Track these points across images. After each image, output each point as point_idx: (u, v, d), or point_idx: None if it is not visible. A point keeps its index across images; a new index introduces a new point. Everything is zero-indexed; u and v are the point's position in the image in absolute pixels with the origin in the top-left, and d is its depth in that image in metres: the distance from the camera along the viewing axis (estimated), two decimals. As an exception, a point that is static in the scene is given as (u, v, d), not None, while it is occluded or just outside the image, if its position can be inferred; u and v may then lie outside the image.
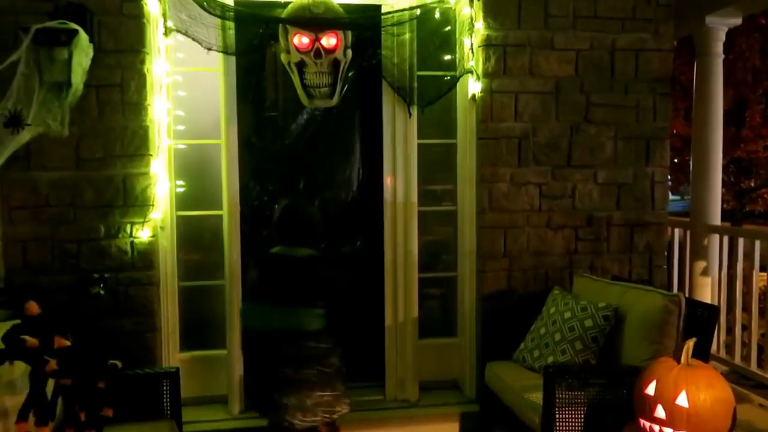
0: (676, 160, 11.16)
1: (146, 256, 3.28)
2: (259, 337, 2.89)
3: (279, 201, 2.85)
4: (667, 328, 2.77)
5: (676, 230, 4.66)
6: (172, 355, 3.49)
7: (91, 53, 3.03)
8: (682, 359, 2.41)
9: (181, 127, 3.53)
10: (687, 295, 4.08)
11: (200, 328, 3.66)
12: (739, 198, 11.18)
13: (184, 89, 3.54)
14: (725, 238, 4.23)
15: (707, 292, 4.32)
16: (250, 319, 2.97)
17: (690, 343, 2.41)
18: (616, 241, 3.69)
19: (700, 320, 2.87)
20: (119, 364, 2.19)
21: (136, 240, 3.26)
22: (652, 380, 2.40)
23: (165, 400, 2.68)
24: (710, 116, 4.41)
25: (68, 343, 1.97)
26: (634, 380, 2.54)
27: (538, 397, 2.76)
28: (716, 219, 4.43)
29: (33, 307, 2.17)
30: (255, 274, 3.14)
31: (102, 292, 3.16)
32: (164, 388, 2.70)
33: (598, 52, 3.60)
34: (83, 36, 2.92)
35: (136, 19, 3.22)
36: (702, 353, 2.68)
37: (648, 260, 3.72)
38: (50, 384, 2.11)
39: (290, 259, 2.79)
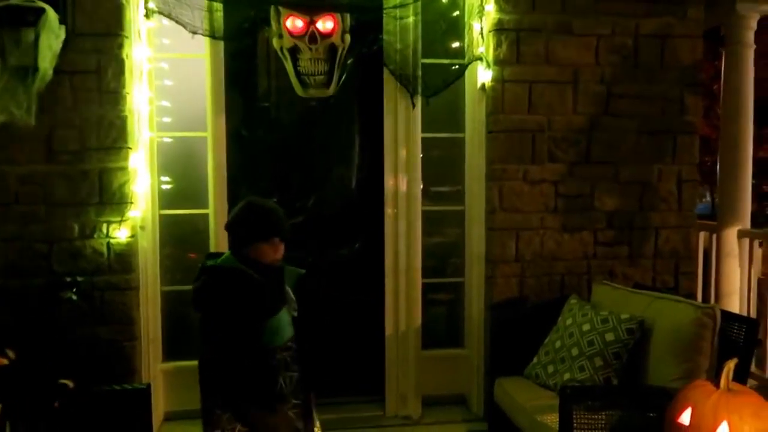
0: (695, 161, 10.82)
1: (124, 258, 3.02)
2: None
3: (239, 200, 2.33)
4: (700, 344, 2.47)
5: (701, 234, 4.33)
6: (153, 365, 3.24)
7: (62, 35, 2.80)
8: (722, 383, 2.11)
9: (167, 119, 3.31)
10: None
11: (185, 337, 3.39)
12: (760, 201, 10.81)
13: (170, 78, 3.30)
14: (756, 243, 3.90)
15: (735, 301, 4.00)
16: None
17: (731, 365, 2.11)
18: (639, 245, 3.40)
19: (736, 336, 2.56)
20: (70, 383, 1.92)
21: (112, 240, 3.01)
22: (687, 407, 2.10)
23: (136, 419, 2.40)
24: (740, 111, 4.09)
25: (5, 361, 1.69)
26: (663, 404, 2.25)
27: (553, 420, 2.49)
28: (746, 222, 4.11)
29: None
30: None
31: (74, 297, 2.90)
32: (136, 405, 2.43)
33: (620, 39, 3.31)
34: (52, 15, 2.68)
35: (114, -1, 2.95)
36: (741, 375, 2.38)
37: (674, 266, 3.43)
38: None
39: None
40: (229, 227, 2.20)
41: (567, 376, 2.73)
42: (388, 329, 3.44)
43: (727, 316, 2.76)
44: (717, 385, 2.13)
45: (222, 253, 2.24)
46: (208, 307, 2.14)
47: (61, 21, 2.78)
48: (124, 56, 2.98)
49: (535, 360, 2.96)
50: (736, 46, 4.08)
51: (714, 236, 4.20)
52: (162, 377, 3.29)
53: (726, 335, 2.58)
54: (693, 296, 3.55)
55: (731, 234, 4.07)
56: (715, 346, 2.49)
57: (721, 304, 3.98)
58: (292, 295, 2.27)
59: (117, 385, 2.53)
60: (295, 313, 2.27)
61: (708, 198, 13.57)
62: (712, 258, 4.20)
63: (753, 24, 4.06)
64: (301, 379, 2.24)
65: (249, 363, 2.07)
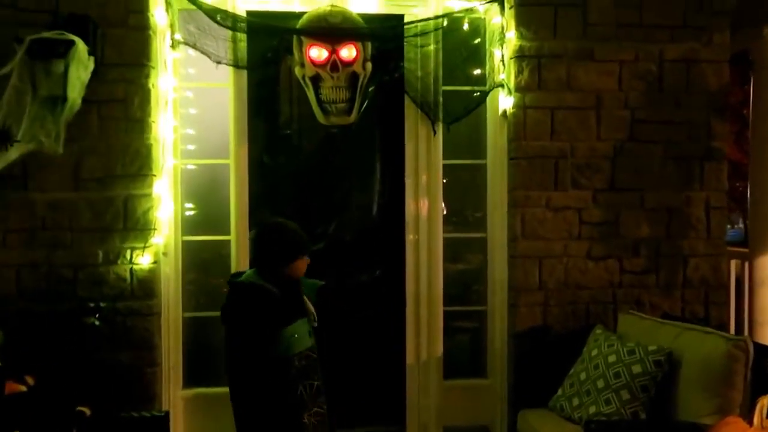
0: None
1: (146, 284, 3.04)
2: None
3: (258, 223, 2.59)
4: (732, 378, 2.38)
5: (732, 262, 4.20)
6: (174, 392, 3.23)
7: (91, 66, 2.86)
8: (755, 421, 2.02)
9: (191, 147, 3.35)
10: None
11: (206, 363, 3.38)
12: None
13: (194, 106, 3.36)
14: (791, 272, 3.78)
15: (770, 332, 3.85)
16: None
17: (765, 401, 2.02)
18: (667, 273, 3.31)
19: (770, 369, 2.46)
20: (87, 411, 1.92)
21: (135, 266, 3.04)
22: (719, 444, 2.01)
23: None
24: (770, 135, 3.99)
25: (23, 388, 1.70)
26: (693, 440, 2.15)
27: (578, 455, 2.39)
28: (779, 249, 3.98)
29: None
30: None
31: (97, 323, 2.92)
32: (155, 433, 2.42)
33: (644, 64, 3.27)
34: (81, 47, 2.74)
35: (142, 31, 3.03)
36: (776, 410, 2.27)
37: (704, 296, 3.32)
38: None
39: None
40: (267, 250, 2.35)
41: (593, 409, 2.65)
42: (409, 358, 3.38)
43: (761, 348, 2.66)
44: (750, 422, 2.05)
45: (244, 272, 2.44)
46: (229, 320, 2.34)
47: (90, 52, 2.84)
48: (151, 86, 3.05)
49: (559, 392, 2.89)
50: (765, 71, 4.01)
51: (746, 264, 4.08)
52: (182, 404, 3.28)
53: (760, 368, 2.48)
54: (724, 327, 3.43)
55: (764, 262, 3.95)
56: (748, 380, 2.40)
57: (755, 335, 3.85)
58: (311, 307, 2.42)
59: (136, 411, 2.53)
60: (315, 324, 2.40)
61: (741, 224, 13.25)
62: (744, 286, 4.08)
63: (782, 48, 3.99)
64: (322, 388, 2.35)
65: (267, 371, 2.22)
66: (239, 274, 2.47)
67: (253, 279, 2.34)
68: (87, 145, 3.00)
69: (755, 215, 4.08)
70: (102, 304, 2.97)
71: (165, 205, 3.11)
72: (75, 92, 2.75)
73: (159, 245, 3.07)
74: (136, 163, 3.04)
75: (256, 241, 2.43)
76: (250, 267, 2.54)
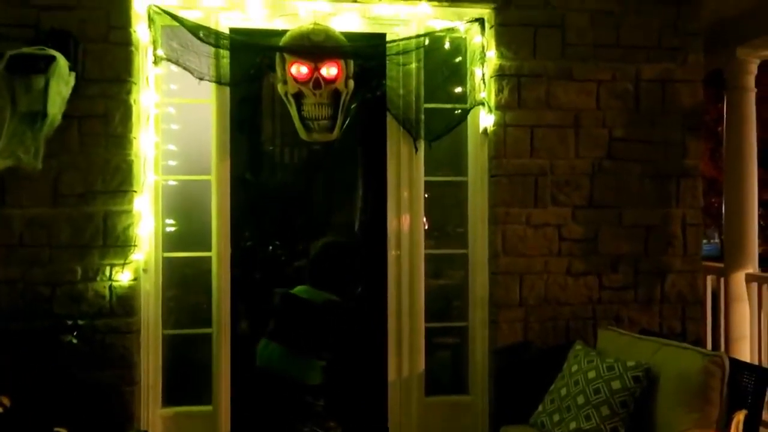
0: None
1: (126, 302, 3.01)
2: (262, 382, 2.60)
3: (317, 239, 2.67)
4: (708, 393, 2.41)
5: (708, 277, 4.28)
6: (153, 411, 3.18)
7: (72, 82, 2.85)
8: (732, 436, 2.05)
9: (172, 162, 3.32)
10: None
11: (186, 381, 3.35)
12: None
13: (176, 122, 3.34)
14: (765, 287, 3.85)
15: (746, 345, 3.92)
16: (261, 356, 2.67)
17: (740, 416, 2.06)
18: (645, 289, 3.35)
19: (746, 385, 2.49)
20: (64, 431, 1.88)
21: (115, 283, 3.00)
22: (696, 460, 2.04)
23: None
24: (743, 154, 4.11)
25: (-1, 410, 1.67)
26: (672, 456, 2.17)
27: (559, 471, 2.40)
28: (753, 264, 4.07)
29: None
30: (273, 314, 2.87)
31: (74, 341, 2.87)
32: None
33: (621, 84, 3.34)
34: (62, 63, 2.73)
35: (124, 46, 3.03)
36: (751, 425, 2.31)
37: (681, 311, 3.37)
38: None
39: (303, 303, 2.53)
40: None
41: (573, 425, 2.66)
42: (391, 375, 3.36)
43: (737, 363, 2.70)
44: (726, 437, 2.08)
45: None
46: None
47: (72, 68, 2.83)
48: (132, 102, 3.03)
49: (540, 408, 2.89)
50: (738, 91, 4.13)
51: (722, 280, 4.15)
52: (161, 423, 3.23)
53: (736, 384, 2.51)
54: (701, 342, 3.48)
55: (739, 278, 4.03)
56: (725, 396, 2.42)
57: (731, 350, 3.91)
58: None
59: (114, 431, 2.48)
60: None
61: (716, 239, 13.48)
62: (720, 302, 4.15)
63: (753, 69, 4.12)
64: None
65: None
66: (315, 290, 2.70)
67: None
68: (67, 161, 2.97)
69: (730, 232, 4.17)
70: (80, 322, 2.92)
71: (146, 221, 3.09)
72: (55, 108, 2.74)
73: (139, 262, 3.04)
74: (117, 179, 3.01)
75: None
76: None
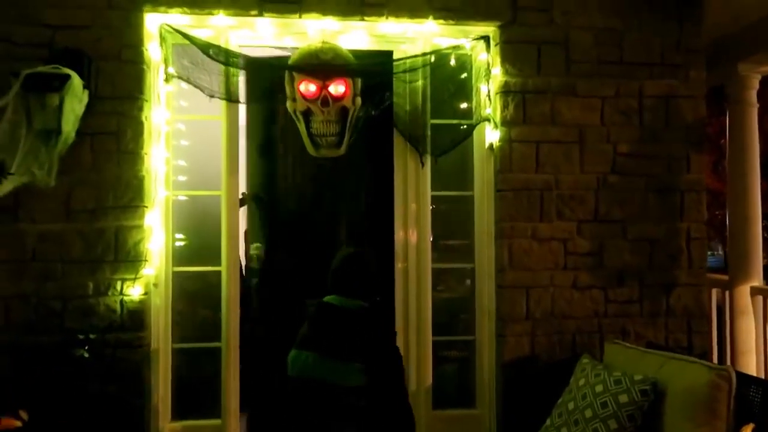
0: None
1: (136, 316, 3.04)
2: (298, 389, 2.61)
3: (341, 248, 2.77)
4: (715, 407, 2.42)
5: (713, 290, 4.29)
6: (162, 424, 3.20)
7: (85, 99, 2.91)
8: (739, 449, 2.06)
9: (182, 178, 3.37)
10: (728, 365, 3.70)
11: (195, 395, 3.37)
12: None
13: (187, 138, 3.40)
14: (770, 300, 3.87)
15: (752, 359, 3.93)
16: (294, 366, 2.68)
17: (748, 430, 2.07)
18: (650, 303, 3.37)
19: (752, 399, 2.51)
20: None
21: (126, 298, 3.04)
22: (704, 473, 2.05)
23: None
24: (746, 167, 4.15)
25: (18, 424, 1.70)
26: (680, 469, 2.18)
27: (567, 485, 2.41)
28: (758, 277, 4.09)
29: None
30: (305, 322, 2.88)
31: (86, 355, 2.91)
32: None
33: (625, 100, 3.38)
34: (76, 81, 2.79)
35: (136, 65, 3.08)
36: (759, 439, 2.32)
37: (687, 324, 3.38)
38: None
39: (340, 310, 2.57)
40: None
41: (581, 438, 2.67)
42: (399, 388, 3.39)
43: (743, 377, 2.71)
44: (734, 450, 2.09)
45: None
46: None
47: (85, 86, 2.89)
48: (144, 119, 3.09)
49: (548, 422, 2.90)
50: (740, 105, 4.17)
51: (727, 293, 4.16)
52: (170, 437, 3.25)
53: (743, 397, 2.53)
54: (707, 355, 3.48)
55: (744, 291, 4.04)
56: (732, 409, 2.44)
57: (737, 363, 3.92)
58: None
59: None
60: None
61: (720, 251, 13.48)
62: (726, 315, 4.16)
63: (755, 84, 4.16)
64: None
65: None
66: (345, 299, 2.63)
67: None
68: (79, 177, 3.02)
69: (735, 245, 4.19)
70: (91, 336, 2.96)
71: (156, 236, 3.13)
72: (69, 125, 2.79)
73: (150, 276, 3.08)
74: (128, 195, 3.06)
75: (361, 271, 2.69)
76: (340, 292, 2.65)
